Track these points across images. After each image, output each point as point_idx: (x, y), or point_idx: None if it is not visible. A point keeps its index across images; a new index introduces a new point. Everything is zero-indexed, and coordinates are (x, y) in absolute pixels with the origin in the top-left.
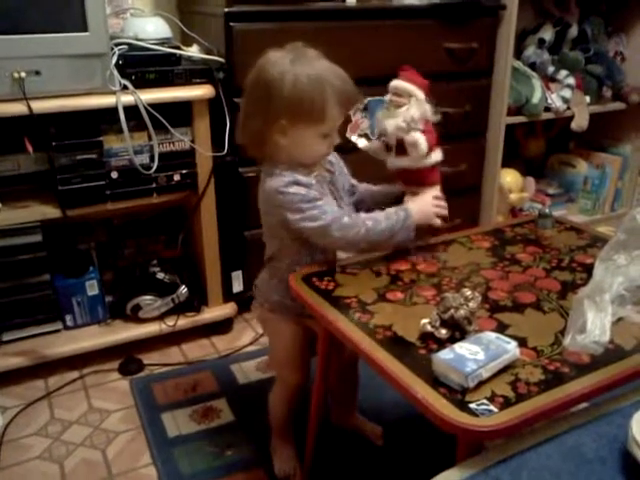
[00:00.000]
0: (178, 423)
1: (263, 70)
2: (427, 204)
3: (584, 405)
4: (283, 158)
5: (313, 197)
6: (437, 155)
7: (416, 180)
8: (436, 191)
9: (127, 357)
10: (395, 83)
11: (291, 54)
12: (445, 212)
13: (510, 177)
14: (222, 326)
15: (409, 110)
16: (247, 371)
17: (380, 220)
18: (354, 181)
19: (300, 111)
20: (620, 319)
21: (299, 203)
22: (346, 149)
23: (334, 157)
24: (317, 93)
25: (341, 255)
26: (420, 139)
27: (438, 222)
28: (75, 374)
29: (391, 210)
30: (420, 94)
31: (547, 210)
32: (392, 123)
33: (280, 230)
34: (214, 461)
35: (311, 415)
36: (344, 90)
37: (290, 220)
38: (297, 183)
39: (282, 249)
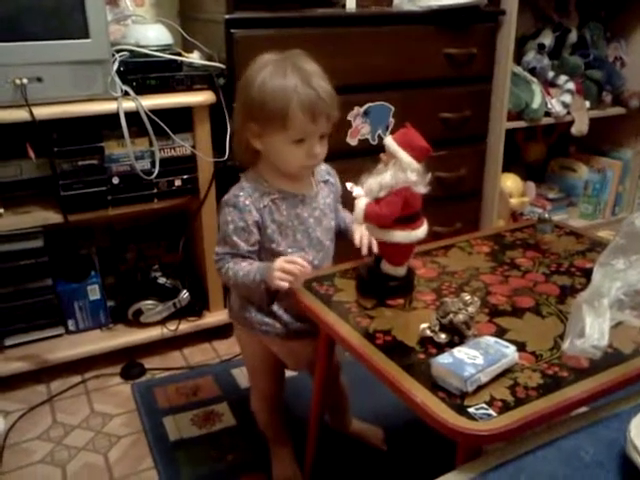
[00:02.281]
0: (179, 427)
1: (247, 70)
2: (271, 269)
3: (583, 409)
4: (261, 167)
5: (233, 228)
6: (399, 235)
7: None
8: (289, 259)
9: (129, 361)
10: (386, 140)
11: (278, 57)
12: (283, 284)
13: (510, 182)
14: (223, 331)
15: (384, 175)
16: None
17: (240, 275)
18: (339, 206)
19: (264, 115)
20: (619, 323)
21: (222, 225)
22: (344, 154)
23: (333, 177)
24: (279, 98)
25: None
26: (359, 205)
27: (282, 285)
28: (77, 378)
29: (254, 269)
30: (406, 158)
31: (546, 215)
32: (368, 182)
33: None
34: (215, 465)
35: (311, 420)
36: (309, 97)
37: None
38: (235, 206)
39: None
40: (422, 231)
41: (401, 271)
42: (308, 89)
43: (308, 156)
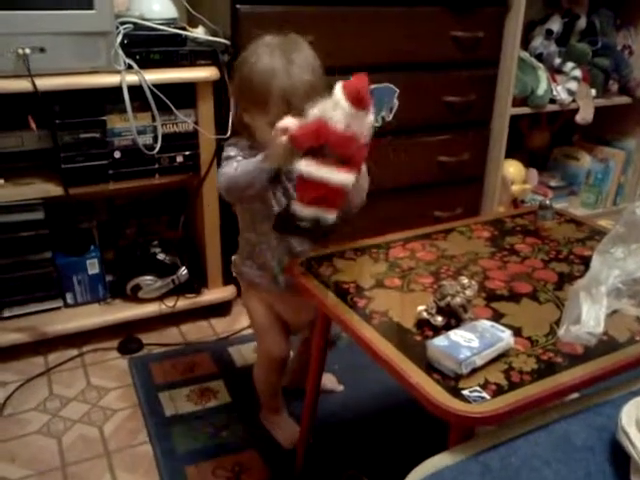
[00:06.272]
0: (175, 403)
1: (247, 49)
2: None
3: (575, 395)
4: (252, 136)
5: (232, 155)
6: (304, 166)
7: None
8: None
9: (126, 336)
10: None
11: (276, 40)
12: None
13: (513, 168)
14: (221, 308)
15: (321, 105)
16: (245, 354)
17: (243, 164)
18: None
19: (249, 95)
20: (615, 311)
21: (224, 159)
22: None
23: None
24: (263, 83)
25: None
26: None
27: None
28: (74, 352)
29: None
30: (342, 102)
31: (547, 202)
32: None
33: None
34: (209, 441)
35: (306, 400)
36: (289, 88)
37: None
38: (236, 145)
39: (239, 220)
40: (342, 177)
41: (307, 212)
42: (289, 80)
43: None
